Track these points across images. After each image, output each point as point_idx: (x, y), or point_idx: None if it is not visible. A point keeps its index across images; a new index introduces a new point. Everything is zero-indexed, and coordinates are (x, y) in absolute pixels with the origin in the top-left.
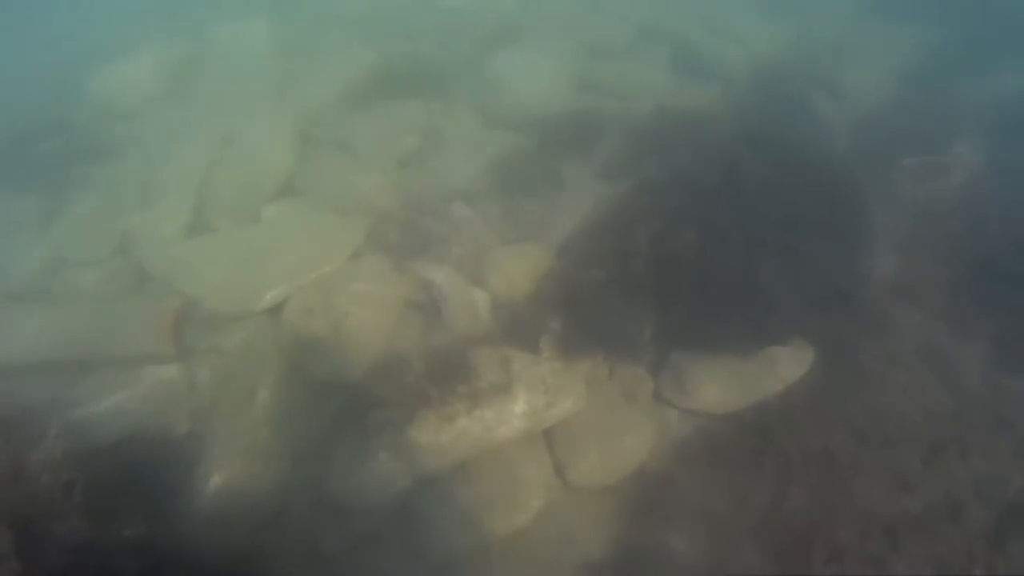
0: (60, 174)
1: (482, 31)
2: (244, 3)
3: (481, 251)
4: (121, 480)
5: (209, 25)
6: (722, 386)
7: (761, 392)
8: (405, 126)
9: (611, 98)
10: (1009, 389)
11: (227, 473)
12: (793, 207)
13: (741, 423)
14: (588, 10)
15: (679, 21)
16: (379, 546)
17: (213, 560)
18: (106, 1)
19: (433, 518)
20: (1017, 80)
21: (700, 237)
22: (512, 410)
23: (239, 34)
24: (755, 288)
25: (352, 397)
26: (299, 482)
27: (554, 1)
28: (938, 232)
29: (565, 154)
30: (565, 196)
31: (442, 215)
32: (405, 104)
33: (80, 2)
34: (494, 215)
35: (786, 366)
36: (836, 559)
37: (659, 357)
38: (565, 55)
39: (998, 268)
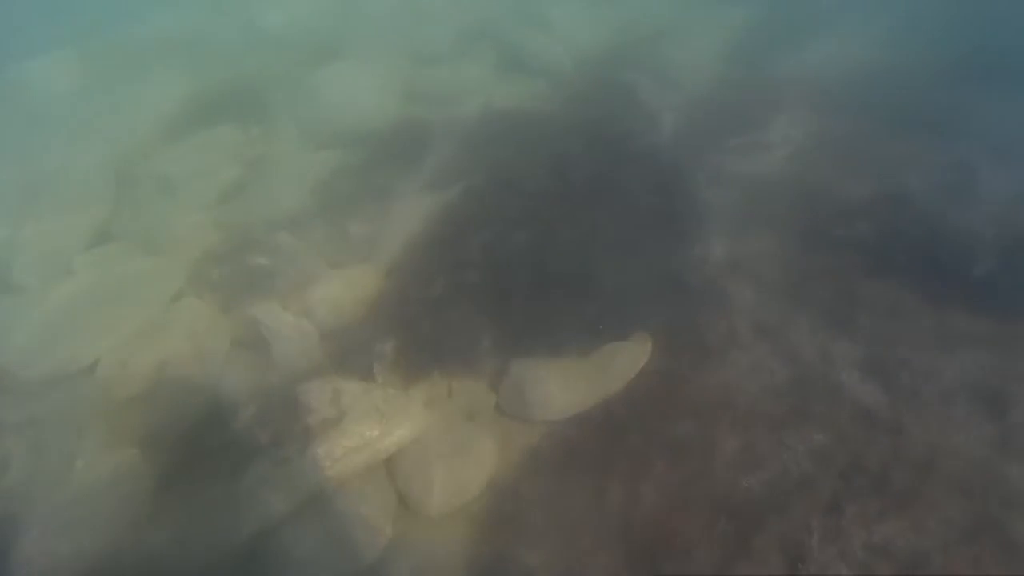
0: None
1: (303, 49)
2: (50, 35)
3: (308, 280)
4: None
5: (12, 62)
6: (564, 390)
7: (604, 391)
8: (224, 156)
9: (438, 105)
10: (838, 353)
11: (48, 554)
12: (623, 198)
13: (587, 425)
14: (411, 18)
15: (502, 20)
16: None
17: None
18: None
19: (277, 570)
20: (833, 54)
21: (532, 240)
22: (344, 444)
23: (46, 69)
24: (590, 285)
25: (180, 452)
26: (128, 551)
27: (375, 12)
28: (766, 208)
29: (393, 168)
30: (394, 211)
31: (267, 246)
32: (224, 132)
33: None
34: (321, 240)
35: (626, 360)
36: (691, 552)
37: (499, 368)
38: (389, 66)
39: (824, 237)
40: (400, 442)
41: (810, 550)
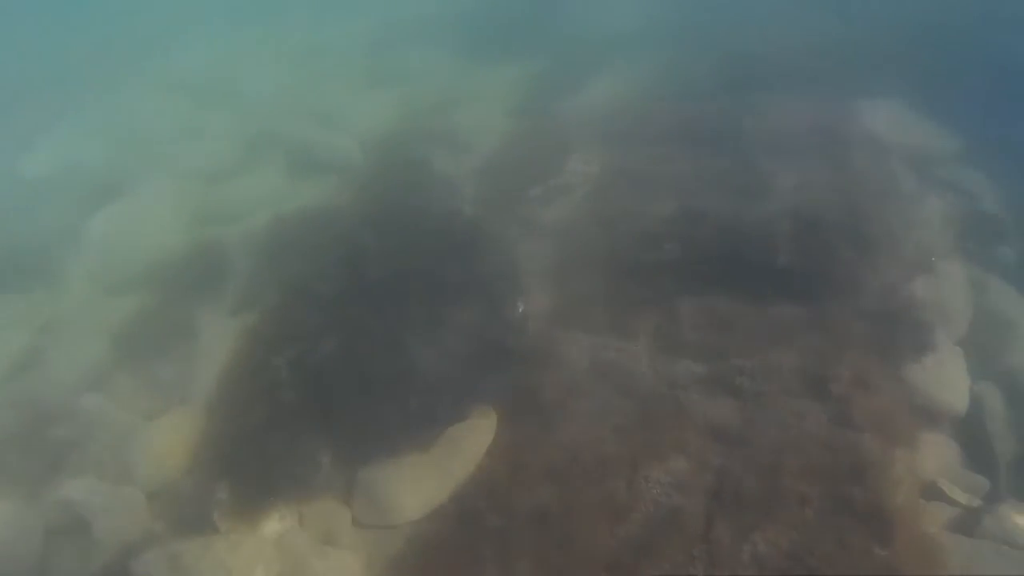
0: None
1: (77, 192)
2: None
3: (122, 440)
4: None
5: None
6: (418, 487)
7: (455, 477)
8: (7, 327)
9: (231, 223)
10: (679, 377)
11: None
12: (429, 278)
13: (448, 517)
14: (192, 136)
15: (287, 123)
16: None
17: None
18: None
19: None
20: (611, 90)
21: (340, 345)
22: None
23: None
24: (413, 374)
25: None
26: None
27: (152, 137)
28: (578, 250)
29: (193, 300)
30: (202, 345)
31: (70, 415)
32: (2, 302)
33: None
34: (130, 393)
35: (473, 440)
36: None
37: (347, 481)
38: (175, 191)
39: (638, 265)
40: None
41: None
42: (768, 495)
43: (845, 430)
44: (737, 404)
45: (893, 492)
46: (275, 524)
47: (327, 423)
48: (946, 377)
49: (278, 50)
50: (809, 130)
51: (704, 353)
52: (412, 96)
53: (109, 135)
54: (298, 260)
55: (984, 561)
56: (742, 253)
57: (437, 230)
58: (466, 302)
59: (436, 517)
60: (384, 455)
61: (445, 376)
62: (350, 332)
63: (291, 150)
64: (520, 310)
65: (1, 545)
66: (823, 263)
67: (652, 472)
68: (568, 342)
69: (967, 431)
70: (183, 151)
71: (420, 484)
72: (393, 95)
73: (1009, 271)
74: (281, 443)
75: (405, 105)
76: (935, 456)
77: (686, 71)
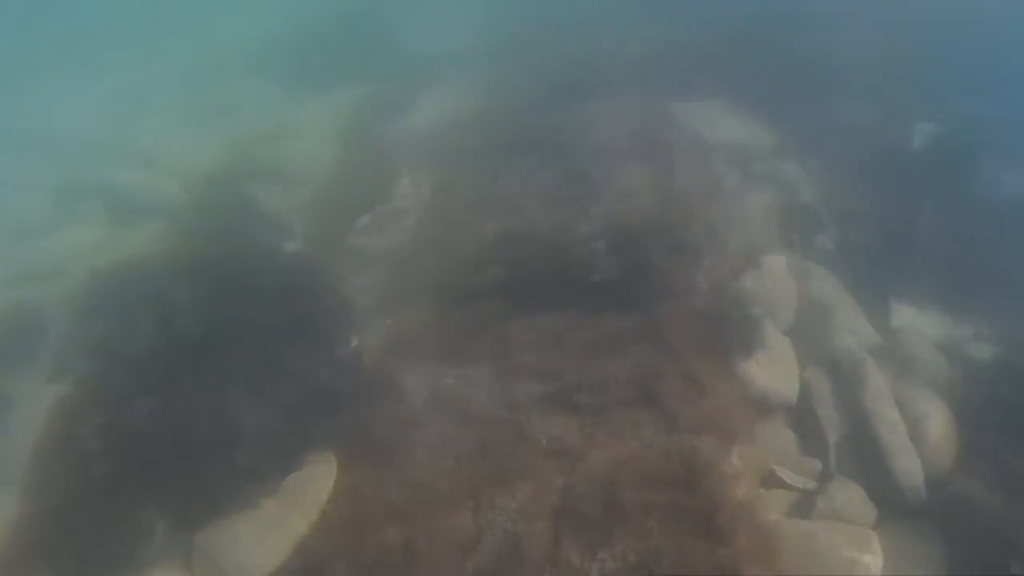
0: None
1: None
2: None
3: None
4: None
5: None
6: (260, 543)
7: (297, 530)
8: None
9: (45, 281)
10: (517, 399)
11: None
12: (254, 323)
13: (294, 572)
14: None
15: (103, 167)
16: None
17: None
18: None
19: None
20: (436, 110)
21: (159, 405)
22: None
23: None
24: (242, 427)
25: None
26: None
27: None
28: (409, 278)
29: (7, 367)
30: (18, 418)
31: None
32: None
33: None
34: None
35: (313, 487)
36: None
37: (185, 546)
38: None
39: (468, 288)
40: None
41: None
42: (612, 510)
43: (682, 435)
44: (576, 421)
45: (732, 489)
46: None
47: (152, 491)
48: (777, 368)
49: (93, 90)
50: (634, 136)
51: (540, 373)
52: (237, 130)
53: None
54: (113, 318)
55: (819, 540)
56: (569, 268)
57: (262, 271)
58: (294, 344)
59: (282, 573)
60: (219, 515)
61: (276, 425)
62: (167, 392)
63: (109, 197)
64: (353, 345)
65: None
66: (650, 270)
67: (497, 500)
68: (405, 374)
69: (800, 417)
70: None
71: (262, 540)
72: (217, 130)
73: (827, 258)
74: (107, 518)
75: (230, 140)
76: (772, 446)
77: (513, 83)
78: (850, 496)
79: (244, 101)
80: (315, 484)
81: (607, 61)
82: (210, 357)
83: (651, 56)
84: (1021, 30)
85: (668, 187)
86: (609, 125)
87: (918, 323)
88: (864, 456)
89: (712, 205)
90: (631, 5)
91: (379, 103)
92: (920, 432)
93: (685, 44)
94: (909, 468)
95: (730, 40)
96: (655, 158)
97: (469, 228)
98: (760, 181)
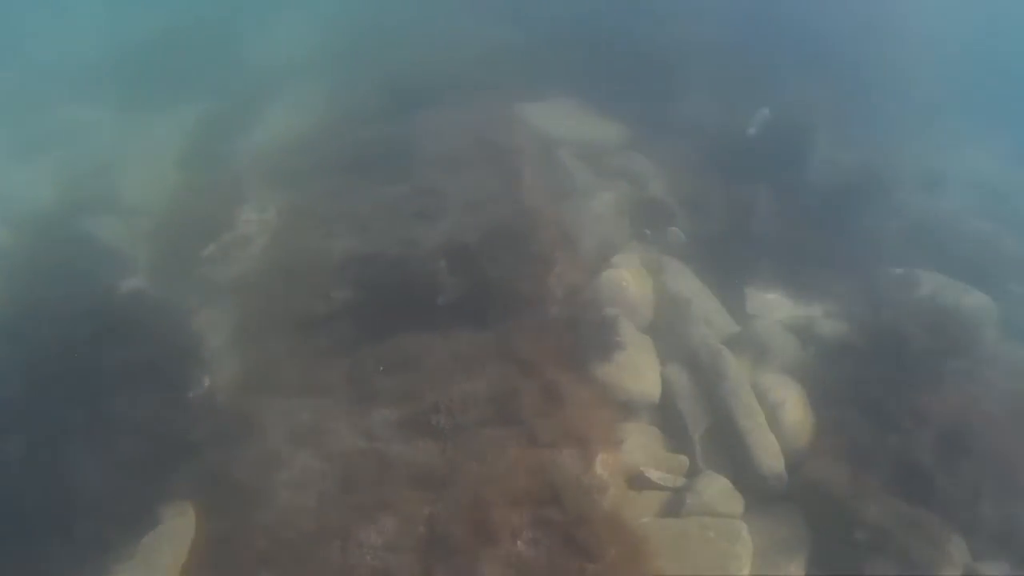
0: None
1: None
2: None
3: None
4: None
5: None
6: None
7: None
8: None
9: None
10: (376, 426)
11: None
12: (91, 372)
13: None
14: None
15: None
16: None
17: None
18: None
19: None
20: (281, 125)
21: None
22: None
23: None
24: (82, 490)
25: None
26: None
27: None
28: (258, 308)
29: None
30: None
31: None
32: None
33: None
34: None
35: (171, 545)
36: None
37: None
38: None
39: (315, 313)
40: None
41: None
42: (479, 535)
43: (544, 450)
44: (437, 445)
45: (598, 500)
46: None
47: None
48: (638, 367)
49: None
50: (481, 142)
51: (397, 398)
52: (68, 161)
53: None
54: None
55: (691, 537)
56: (418, 286)
57: (100, 313)
58: (140, 390)
59: None
60: None
61: (124, 483)
62: None
63: None
64: (205, 385)
65: None
66: (501, 282)
67: (364, 536)
68: (261, 411)
69: (664, 414)
70: None
71: None
72: (45, 163)
73: (681, 250)
74: None
75: (61, 173)
76: (639, 446)
77: (358, 94)
78: (718, 489)
79: (73, 128)
80: (175, 539)
81: (452, 65)
82: (41, 417)
83: (495, 57)
84: (845, 16)
85: (517, 193)
86: (455, 132)
87: (771, 307)
88: (728, 447)
89: (562, 207)
90: (475, 7)
91: (221, 121)
92: (778, 418)
93: (529, 43)
94: (769, 455)
95: (574, 37)
96: (503, 163)
97: (317, 251)
98: (611, 177)
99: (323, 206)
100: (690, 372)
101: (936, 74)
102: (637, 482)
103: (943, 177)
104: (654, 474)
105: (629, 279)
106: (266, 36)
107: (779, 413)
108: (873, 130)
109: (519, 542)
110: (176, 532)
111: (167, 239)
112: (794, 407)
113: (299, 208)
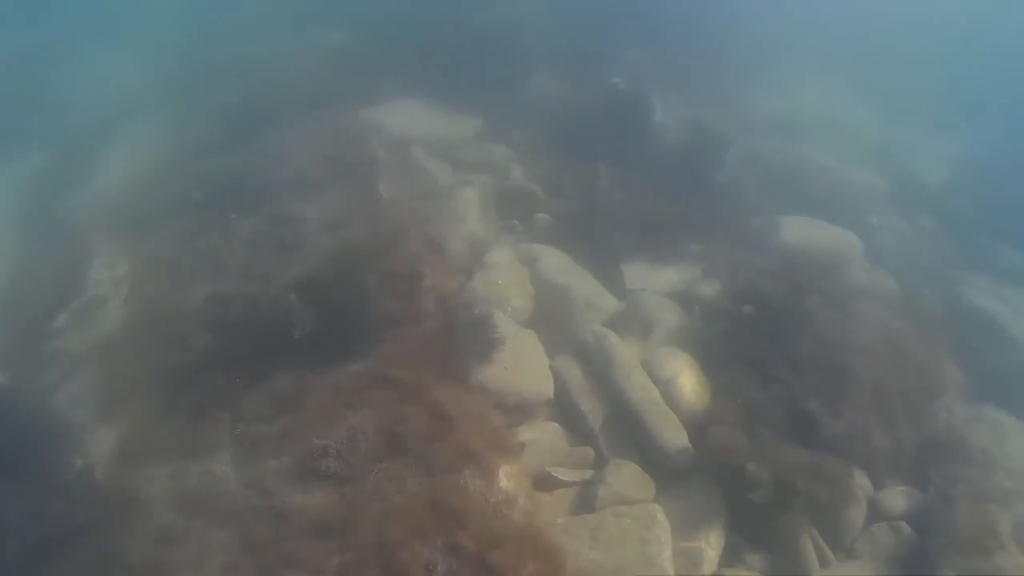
0: None
1: None
2: None
3: None
4: None
5: None
6: None
7: None
8: None
9: None
10: (263, 479)
11: None
12: None
13: None
14: None
15: None
16: None
17: None
18: None
19: None
20: (120, 168)
21: None
22: None
23: None
24: None
25: None
26: None
27: None
28: (124, 369)
29: None
30: None
31: None
32: None
33: None
34: None
35: None
36: None
37: None
38: None
39: (184, 366)
40: None
41: None
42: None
43: (443, 476)
44: (333, 489)
45: (507, 516)
46: None
47: None
48: (526, 365)
49: None
50: (330, 157)
51: (284, 445)
52: None
53: None
54: None
55: (608, 529)
56: (283, 320)
57: None
58: (2, 490)
59: None
60: None
61: None
62: None
63: None
64: (78, 466)
65: None
66: (367, 305)
67: None
68: (145, 483)
69: (561, 409)
70: None
71: None
72: None
73: (552, 235)
74: None
75: None
76: (541, 447)
77: (197, 128)
78: (627, 475)
79: None
80: None
81: (291, 82)
82: None
83: (332, 67)
84: None
85: (376, 206)
86: (304, 151)
87: (650, 278)
88: (631, 431)
89: (424, 212)
90: (302, 17)
91: (55, 174)
92: (673, 392)
93: (363, 46)
94: (671, 431)
95: (407, 33)
96: (358, 176)
97: (175, 299)
98: (471, 171)
99: (176, 250)
100: (580, 361)
101: (773, 23)
102: (545, 484)
103: (793, 121)
104: (561, 472)
105: (503, 275)
106: (86, 74)
107: (673, 387)
108: (721, 87)
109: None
110: None
111: (11, 316)
112: (687, 378)
113: (152, 256)
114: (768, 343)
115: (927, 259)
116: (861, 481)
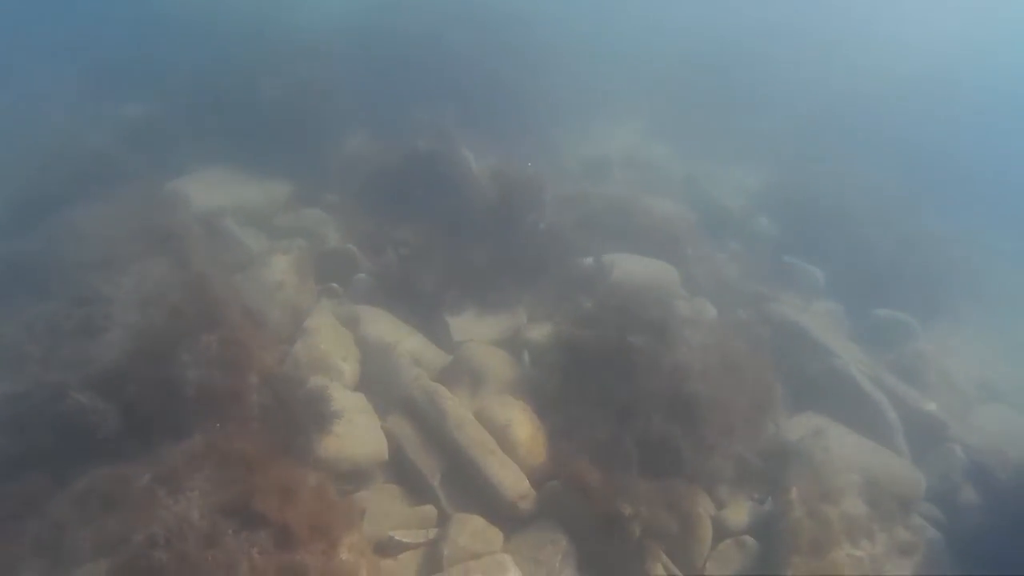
0: None
1: None
2: None
3: None
4: None
5: None
6: None
7: None
8: None
9: None
10: None
11: None
12: None
13: None
14: None
15: None
16: None
17: None
18: None
19: None
20: None
21: None
22: None
23: None
24: None
25: None
26: None
27: None
28: None
29: None
30: None
31: None
32: None
33: None
34: None
35: None
36: None
37: None
38: None
39: None
40: None
41: None
42: None
43: (279, 555)
44: None
45: None
46: None
47: None
48: (358, 430)
49: None
50: (139, 231)
51: (105, 547)
52: None
53: None
54: None
55: None
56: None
57: None
58: None
59: None
60: None
61: None
62: None
63: None
64: None
65: None
66: (187, 382)
67: None
68: None
69: (398, 468)
70: None
71: None
72: None
73: (371, 294)
74: None
75: None
76: (381, 512)
77: None
78: (471, 530)
79: None
80: None
81: (90, 153)
82: None
83: (136, 137)
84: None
85: (186, 281)
86: (109, 227)
87: (477, 329)
88: (470, 484)
89: (239, 283)
90: (100, 87)
91: None
92: (509, 439)
93: (163, 117)
94: (511, 479)
95: (209, 101)
96: (167, 250)
97: None
98: (286, 237)
99: None
100: (411, 418)
101: (576, 72)
102: (389, 549)
103: (602, 162)
104: (403, 535)
105: (326, 340)
106: None
107: (509, 433)
108: (530, 137)
109: None
110: None
111: None
112: (521, 423)
113: None
114: (600, 380)
115: (739, 281)
116: (704, 502)
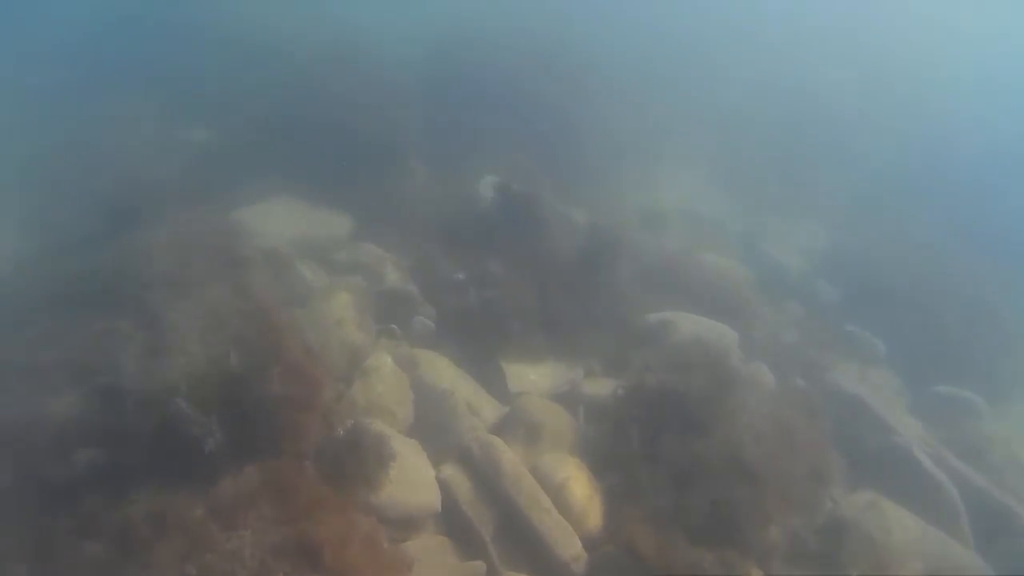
0: None
1: None
2: None
3: None
4: None
5: None
6: None
7: None
8: None
9: None
10: None
11: None
12: None
13: None
14: None
15: None
16: None
17: None
18: None
19: None
20: None
21: None
22: None
23: None
24: None
25: None
26: None
27: None
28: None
29: None
30: None
31: None
32: None
33: None
34: None
35: None
36: None
37: None
38: None
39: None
40: None
41: None
42: None
43: None
44: None
45: None
46: None
47: None
48: (411, 477)
49: None
50: (203, 258)
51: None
52: None
53: None
54: None
55: None
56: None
57: None
58: None
59: None
60: None
61: None
62: None
63: None
64: None
65: None
66: (247, 422)
67: None
68: None
69: (450, 521)
70: None
71: None
72: None
73: (431, 339)
74: None
75: None
76: (431, 563)
77: (61, 219)
78: None
79: None
80: None
81: (158, 178)
82: None
83: (200, 164)
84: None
85: (248, 312)
86: (174, 251)
87: (533, 380)
88: (522, 541)
89: (299, 319)
90: (163, 112)
91: None
92: (564, 498)
93: (229, 144)
94: (563, 540)
95: (274, 130)
96: (229, 278)
97: (34, 415)
98: (346, 272)
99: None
100: (466, 470)
101: (635, 119)
102: None
103: (659, 213)
104: None
105: (384, 383)
106: None
107: (564, 493)
108: (591, 182)
109: None
110: None
111: None
112: (577, 482)
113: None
114: (658, 442)
115: (797, 347)
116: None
